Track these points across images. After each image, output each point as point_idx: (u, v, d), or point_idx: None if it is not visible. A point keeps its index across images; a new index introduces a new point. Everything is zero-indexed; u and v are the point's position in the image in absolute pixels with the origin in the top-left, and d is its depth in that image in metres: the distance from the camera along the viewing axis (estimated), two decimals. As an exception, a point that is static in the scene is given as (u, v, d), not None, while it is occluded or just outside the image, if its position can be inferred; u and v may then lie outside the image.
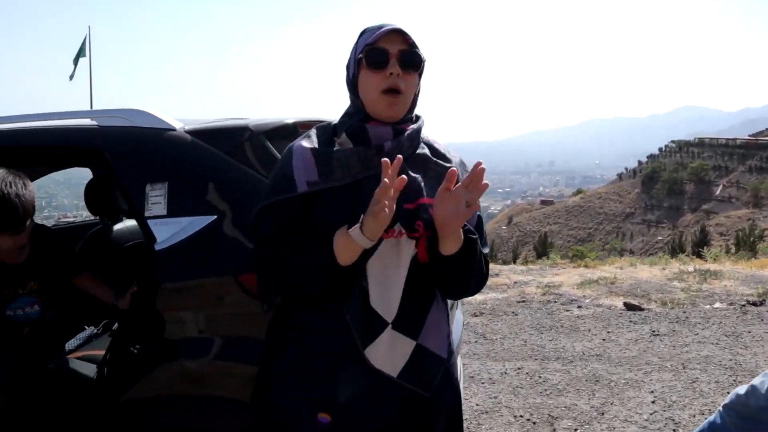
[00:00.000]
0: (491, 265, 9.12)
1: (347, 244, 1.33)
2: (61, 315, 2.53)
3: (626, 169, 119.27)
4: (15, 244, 2.21)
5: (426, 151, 1.53)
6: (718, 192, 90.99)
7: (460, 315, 2.97)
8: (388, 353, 1.43)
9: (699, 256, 10.11)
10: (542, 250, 40.31)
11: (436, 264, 1.45)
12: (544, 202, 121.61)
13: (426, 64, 1.47)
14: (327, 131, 1.52)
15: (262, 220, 1.48)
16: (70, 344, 2.84)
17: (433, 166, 1.52)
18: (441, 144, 1.60)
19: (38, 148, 2.32)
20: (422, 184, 1.46)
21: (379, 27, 1.43)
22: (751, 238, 25.18)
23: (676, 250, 28.25)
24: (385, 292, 1.41)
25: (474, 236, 1.46)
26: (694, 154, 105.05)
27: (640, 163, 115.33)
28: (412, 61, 1.42)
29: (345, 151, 1.42)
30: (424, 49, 1.45)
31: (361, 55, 1.41)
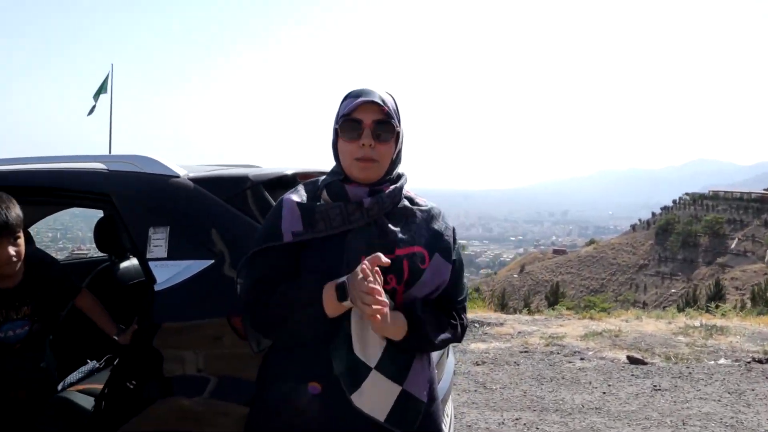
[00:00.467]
0: (497, 314, 9.08)
1: (336, 308, 1.45)
2: (48, 325, 2.65)
3: (640, 220, 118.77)
4: (13, 253, 2.32)
5: (406, 203, 1.64)
6: (733, 246, 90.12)
7: (452, 363, 3.01)
8: (375, 397, 1.50)
9: (707, 310, 10.02)
10: (554, 299, 39.93)
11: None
12: (556, 252, 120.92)
13: (402, 132, 1.58)
14: (315, 187, 1.63)
15: (251, 265, 1.57)
16: (71, 377, 2.91)
17: (411, 212, 1.62)
18: (422, 199, 1.71)
19: (52, 189, 2.45)
20: (399, 235, 1.56)
21: (358, 95, 1.54)
22: (767, 293, 24.81)
23: (690, 303, 27.90)
24: (366, 342, 1.50)
25: (419, 320, 1.53)
26: (709, 207, 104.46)
27: (653, 214, 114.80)
28: (385, 131, 1.53)
29: (327, 206, 1.53)
30: (403, 116, 1.57)
31: (336, 126, 1.54)
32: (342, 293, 1.42)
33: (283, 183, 2.33)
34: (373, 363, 1.49)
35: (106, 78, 11.02)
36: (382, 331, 1.47)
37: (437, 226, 1.65)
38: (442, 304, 1.65)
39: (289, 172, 2.40)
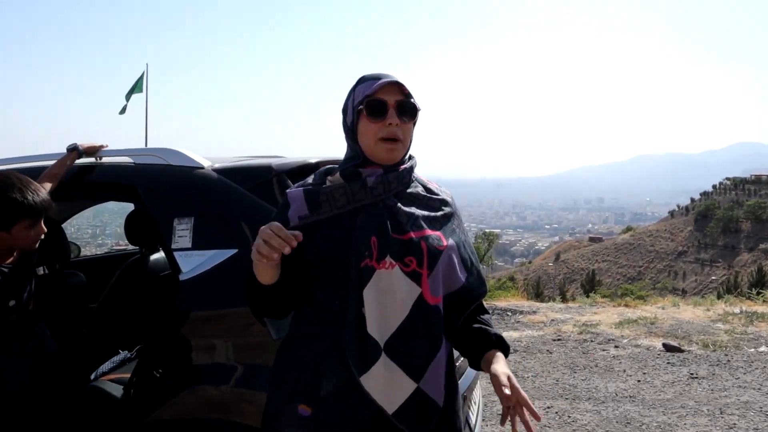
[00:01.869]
0: (530, 303, 9.02)
1: (256, 266, 1.45)
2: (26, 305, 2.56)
3: (678, 206, 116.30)
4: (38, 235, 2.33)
5: (419, 189, 1.63)
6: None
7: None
8: (386, 386, 1.46)
9: (747, 297, 9.77)
10: (590, 287, 39.43)
11: (450, 313, 1.56)
12: (592, 239, 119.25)
13: (420, 113, 1.58)
14: (324, 174, 1.62)
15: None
16: (104, 367, 2.98)
17: (424, 199, 1.61)
18: (434, 184, 1.70)
19: (83, 182, 2.51)
20: (416, 216, 1.54)
21: (377, 77, 1.53)
22: (811, 280, 24.09)
23: (731, 290, 27.20)
24: (382, 320, 1.46)
25: (506, 347, 1.57)
26: (751, 192, 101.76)
27: (692, 200, 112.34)
28: (408, 111, 1.53)
29: (331, 186, 1.53)
30: (419, 99, 1.56)
31: (361, 106, 1.52)
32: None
33: (307, 171, 2.34)
34: (382, 343, 1.46)
35: (141, 77, 11.16)
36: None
37: (448, 212, 1.64)
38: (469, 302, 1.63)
39: (313, 160, 2.41)
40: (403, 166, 1.58)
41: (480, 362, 1.55)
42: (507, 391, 1.40)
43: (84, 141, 2.60)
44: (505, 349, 1.57)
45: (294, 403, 1.51)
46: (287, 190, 1.61)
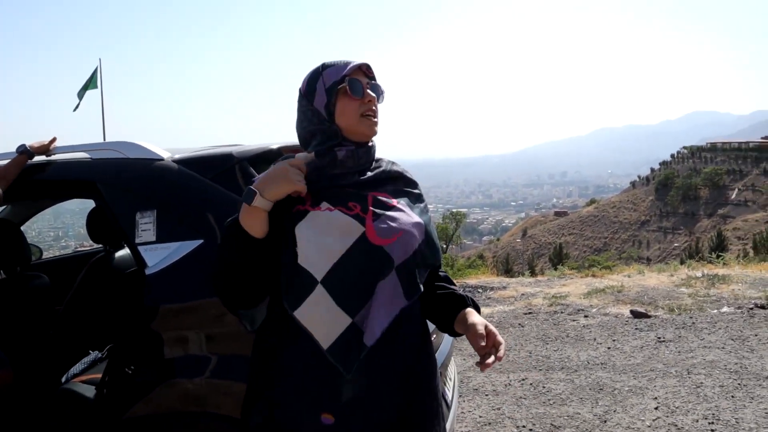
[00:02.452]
0: (500, 278, 9.12)
1: (251, 214, 1.43)
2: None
3: (639, 177, 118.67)
4: None
5: (388, 166, 1.67)
6: (733, 196, 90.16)
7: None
8: (321, 319, 1.45)
9: (709, 261, 10.05)
10: (558, 261, 40.10)
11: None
12: (558, 214, 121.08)
13: (384, 95, 1.64)
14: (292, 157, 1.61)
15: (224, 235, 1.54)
16: (75, 369, 2.93)
17: (383, 174, 1.65)
18: (400, 166, 1.74)
19: (38, 181, 2.44)
20: (373, 182, 1.60)
21: (345, 62, 1.59)
22: (769, 241, 24.89)
23: (693, 255, 27.91)
24: (318, 255, 1.45)
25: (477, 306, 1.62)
26: (707, 159, 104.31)
27: (652, 170, 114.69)
28: (377, 91, 1.61)
29: (297, 157, 1.54)
30: (396, 88, 1.63)
31: (343, 85, 1.56)
32: (249, 193, 1.43)
33: (268, 157, 2.32)
34: (319, 276, 1.46)
35: (94, 73, 10.79)
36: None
37: (403, 180, 1.69)
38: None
39: (274, 146, 2.38)
40: (370, 143, 1.63)
41: (452, 324, 1.57)
42: (482, 342, 1.44)
43: (33, 140, 2.52)
44: (476, 308, 1.61)
45: (315, 414, 1.48)
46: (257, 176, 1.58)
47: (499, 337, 1.47)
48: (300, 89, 1.63)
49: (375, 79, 1.63)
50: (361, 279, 1.49)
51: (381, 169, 1.65)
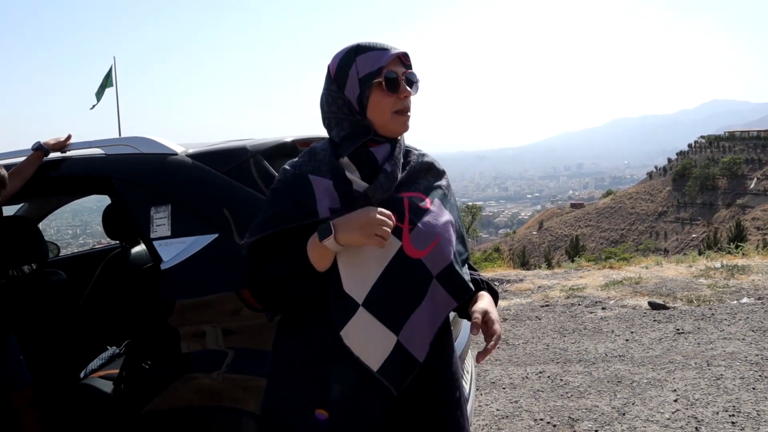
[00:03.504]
0: (516, 271, 9.07)
1: (321, 252, 1.38)
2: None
3: (656, 167, 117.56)
4: None
5: (415, 158, 1.60)
6: (752, 185, 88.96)
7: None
8: (367, 342, 1.44)
9: (727, 252, 9.93)
10: (574, 253, 39.86)
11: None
12: (574, 206, 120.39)
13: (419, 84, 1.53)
14: (311, 155, 1.53)
15: (256, 246, 1.49)
16: (93, 364, 2.96)
17: (409, 162, 1.57)
18: (429, 156, 1.66)
19: (53, 178, 2.45)
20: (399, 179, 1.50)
21: (383, 48, 1.48)
22: (789, 231, 24.54)
23: (711, 246, 27.58)
24: (357, 277, 1.43)
25: (494, 292, 1.63)
26: (725, 149, 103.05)
27: (669, 160, 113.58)
28: (413, 83, 1.51)
29: (366, 191, 1.45)
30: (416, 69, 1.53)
31: (378, 79, 1.46)
32: (325, 230, 1.37)
33: (283, 150, 2.31)
34: (360, 299, 1.42)
35: (110, 71, 10.82)
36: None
37: (433, 172, 1.62)
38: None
39: (288, 139, 2.37)
40: (399, 140, 1.55)
41: (467, 309, 1.55)
42: (476, 332, 1.43)
43: (48, 138, 2.54)
44: (494, 294, 1.59)
45: (309, 412, 1.48)
46: (311, 179, 1.48)
47: (497, 326, 1.45)
48: (329, 70, 1.52)
49: (411, 67, 1.51)
50: (403, 295, 1.46)
51: (412, 164, 1.57)
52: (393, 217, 1.39)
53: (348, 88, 1.48)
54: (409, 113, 1.50)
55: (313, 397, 1.49)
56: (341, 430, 1.48)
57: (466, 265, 1.65)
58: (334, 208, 1.44)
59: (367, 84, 1.46)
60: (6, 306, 2.49)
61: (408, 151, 1.60)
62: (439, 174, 1.63)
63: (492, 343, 1.44)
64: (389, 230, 1.37)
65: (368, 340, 1.44)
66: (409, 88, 1.48)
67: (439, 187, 1.60)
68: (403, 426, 1.52)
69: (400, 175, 1.51)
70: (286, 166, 1.55)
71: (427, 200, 1.53)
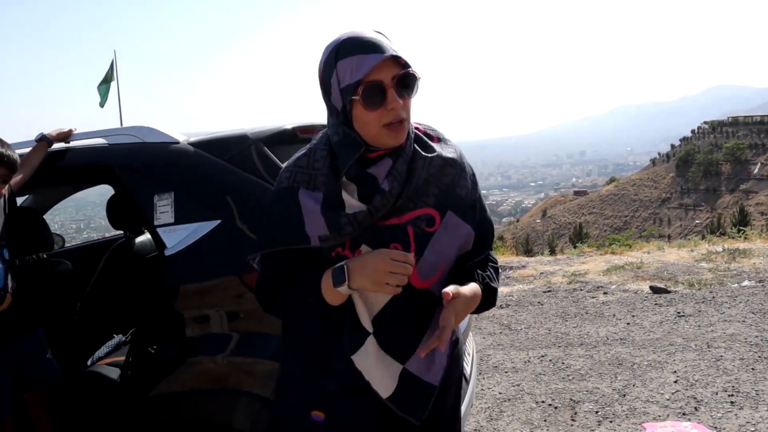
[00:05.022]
0: (519, 258, 9.11)
1: (334, 292, 1.36)
2: (29, 295, 2.58)
3: (659, 154, 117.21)
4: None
5: (439, 157, 1.45)
6: (756, 171, 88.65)
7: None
8: (378, 369, 1.43)
9: (731, 237, 9.94)
10: (578, 240, 39.75)
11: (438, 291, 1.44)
12: (577, 193, 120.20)
13: (420, 81, 1.36)
14: (326, 167, 1.41)
15: (262, 262, 1.50)
16: (99, 352, 3.00)
17: (417, 165, 1.42)
18: (434, 134, 1.51)
19: (57, 168, 2.49)
20: (403, 198, 1.41)
21: (364, 49, 1.29)
22: (792, 216, 24.47)
23: (715, 231, 27.52)
24: (366, 306, 1.42)
25: (491, 289, 1.49)
26: (729, 134, 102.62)
27: (672, 147, 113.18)
28: (409, 85, 1.33)
29: (354, 214, 1.37)
30: (415, 64, 1.35)
31: (355, 97, 1.30)
32: (338, 276, 1.34)
33: (283, 137, 2.34)
34: (368, 326, 1.41)
35: (111, 65, 10.80)
36: (458, 318, 1.36)
37: (448, 175, 1.45)
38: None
39: (289, 126, 2.40)
40: (406, 144, 1.40)
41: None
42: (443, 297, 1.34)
43: (51, 129, 2.58)
44: (491, 293, 1.48)
45: (306, 412, 1.50)
46: (296, 193, 1.41)
47: (450, 319, 1.34)
48: (318, 70, 1.39)
49: (408, 65, 1.31)
50: (409, 324, 1.44)
51: (418, 172, 1.40)
52: (410, 260, 1.32)
53: (333, 97, 1.36)
54: (403, 123, 1.34)
55: (311, 396, 1.51)
56: (339, 423, 1.49)
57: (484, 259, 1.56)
58: (323, 236, 1.38)
59: (347, 98, 1.32)
60: (28, 297, 2.52)
61: (415, 155, 1.42)
62: (455, 167, 1.47)
63: (437, 333, 1.34)
64: (403, 278, 1.31)
65: (376, 367, 1.43)
66: (398, 97, 1.30)
67: (454, 190, 1.46)
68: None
69: (405, 188, 1.39)
70: (284, 171, 1.47)
71: (437, 216, 1.42)
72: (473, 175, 1.52)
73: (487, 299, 1.48)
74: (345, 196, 1.38)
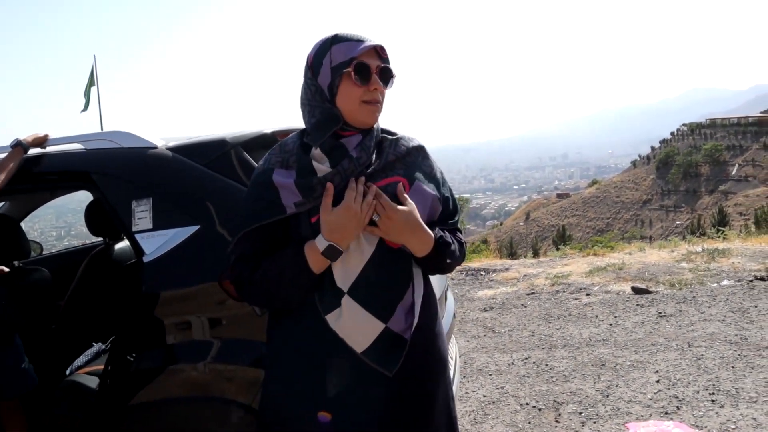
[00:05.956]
0: (502, 261, 9.13)
1: (315, 255, 1.46)
2: (5, 303, 2.55)
3: (640, 156, 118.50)
4: None
5: (403, 144, 1.63)
6: (734, 172, 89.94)
7: (452, 304, 3.05)
8: (353, 327, 1.49)
9: (708, 237, 10.05)
10: (561, 243, 40.06)
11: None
12: (560, 196, 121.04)
13: (394, 79, 1.56)
14: (296, 147, 1.56)
15: (240, 242, 1.55)
16: (78, 361, 2.96)
17: (385, 143, 1.60)
18: (398, 133, 1.68)
19: (33, 174, 2.45)
20: (373, 167, 1.54)
21: (359, 39, 1.50)
22: (771, 215, 24.84)
23: (695, 232, 27.85)
24: (344, 270, 1.50)
25: (444, 242, 1.58)
26: (707, 136, 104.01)
27: (653, 149, 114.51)
28: (388, 77, 1.54)
29: (325, 176, 1.49)
30: (395, 64, 1.56)
31: (348, 69, 1.48)
32: (333, 253, 1.46)
33: (262, 142, 2.33)
34: (345, 287, 1.49)
35: (92, 70, 10.70)
36: (406, 235, 1.49)
37: (413, 156, 1.63)
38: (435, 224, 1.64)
39: (268, 131, 2.39)
40: (375, 125, 1.58)
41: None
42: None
43: (26, 135, 2.53)
44: (443, 245, 1.57)
45: (312, 412, 1.52)
46: (270, 174, 1.54)
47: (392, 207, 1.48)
48: (307, 58, 1.56)
49: (388, 62, 1.54)
50: (388, 282, 1.53)
51: (387, 151, 1.58)
52: (372, 189, 1.47)
53: (321, 75, 1.51)
54: (378, 104, 1.53)
55: (310, 389, 1.53)
56: (342, 422, 1.51)
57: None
58: (298, 202, 1.49)
59: (338, 73, 1.49)
60: (4, 307, 2.48)
61: (382, 139, 1.61)
62: (418, 154, 1.64)
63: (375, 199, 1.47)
64: (373, 204, 1.46)
65: (354, 325, 1.49)
66: (381, 82, 1.50)
67: (420, 167, 1.62)
68: (399, 407, 1.56)
69: (374, 164, 1.54)
70: (259, 162, 1.61)
71: (406, 183, 1.56)
72: (438, 167, 1.69)
73: (438, 251, 1.57)
74: (316, 165, 1.50)
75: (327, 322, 1.49)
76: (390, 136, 1.63)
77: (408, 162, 1.61)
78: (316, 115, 1.54)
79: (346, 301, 1.49)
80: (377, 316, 1.50)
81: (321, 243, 1.45)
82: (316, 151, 1.51)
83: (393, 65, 1.54)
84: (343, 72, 1.48)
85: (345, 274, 1.50)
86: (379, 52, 1.52)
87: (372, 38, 1.51)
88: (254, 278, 1.51)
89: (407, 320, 1.55)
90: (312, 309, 1.51)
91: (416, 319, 1.55)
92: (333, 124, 1.52)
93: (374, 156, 1.57)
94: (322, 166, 1.50)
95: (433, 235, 1.55)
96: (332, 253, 1.46)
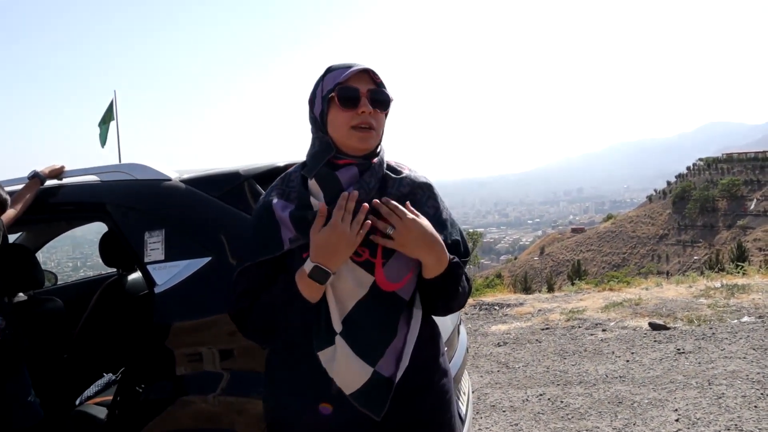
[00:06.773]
0: (516, 295, 9.04)
1: (304, 279, 1.43)
2: (17, 332, 2.52)
3: (656, 190, 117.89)
4: None
5: (407, 183, 1.57)
6: (752, 206, 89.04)
7: (464, 339, 3.01)
8: (342, 369, 1.47)
9: (727, 272, 9.90)
10: (576, 278, 39.62)
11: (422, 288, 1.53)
12: (575, 230, 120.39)
13: (393, 103, 1.53)
14: (284, 180, 1.57)
15: (240, 278, 1.54)
16: (88, 391, 2.94)
17: (392, 186, 1.54)
18: (406, 168, 1.62)
19: (49, 204, 2.49)
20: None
21: (348, 66, 1.48)
22: (790, 251, 24.45)
23: (713, 267, 27.44)
24: (338, 305, 1.47)
25: (458, 263, 1.52)
26: (724, 170, 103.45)
27: (669, 183, 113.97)
28: (380, 100, 1.49)
29: (318, 210, 1.46)
30: (391, 89, 1.52)
31: (332, 94, 1.46)
32: (322, 276, 1.41)
33: (275, 175, 2.34)
34: (337, 327, 1.47)
35: (111, 105, 10.83)
36: (424, 248, 1.45)
37: (417, 196, 1.57)
38: None
39: (281, 164, 2.41)
40: (375, 160, 1.52)
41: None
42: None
43: (43, 166, 2.58)
44: (455, 267, 1.52)
45: (314, 404, 1.51)
46: (270, 205, 1.53)
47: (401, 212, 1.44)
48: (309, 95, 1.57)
49: (383, 86, 1.50)
50: (378, 326, 1.49)
51: (388, 191, 1.53)
52: (352, 196, 1.42)
53: (315, 106, 1.52)
54: (371, 129, 1.47)
55: (308, 396, 1.52)
56: (348, 424, 1.50)
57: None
58: (292, 238, 1.47)
59: (326, 99, 1.48)
60: (15, 337, 2.48)
61: (386, 176, 1.55)
62: (425, 190, 1.59)
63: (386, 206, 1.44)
64: (360, 219, 1.41)
65: (344, 367, 1.47)
66: (370, 106, 1.46)
67: (422, 207, 1.55)
68: None
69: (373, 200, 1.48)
70: (263, 194, 1.60)
71: None
72: (446, 207, 1.62)
73: (452, 272, 1.51)
74: (312, 200, 1.49)
75: (320, 359, 1.47)
76: (395, 175, 1.57)
77: (411, 202, 1.53)
78: (315, 146, 1.53)
79: (339, 341, 1.47)
80: (365, 360, 1.47)
81: (308, 265, 1.42)
82: (312, 183, 1.50)
83: (389, 89, 1.51)
84: (329, 97, 1.47)
85: (339, 313, 1.47)
86: (372, 76, 1.49)
87: (361, 63, 1.50)
88: (252, 310, 1.51)
89: (397, 364, 1.51)
90: (308, 346, 1.49)
91: (404, 363, 1.50)
92: (326, 153, 1.50)
93: (376, 193, 1.51)
94: (317, 202, 1.48)
95: (447, 253, 1.50)
96: (320, 276, 1.41)
